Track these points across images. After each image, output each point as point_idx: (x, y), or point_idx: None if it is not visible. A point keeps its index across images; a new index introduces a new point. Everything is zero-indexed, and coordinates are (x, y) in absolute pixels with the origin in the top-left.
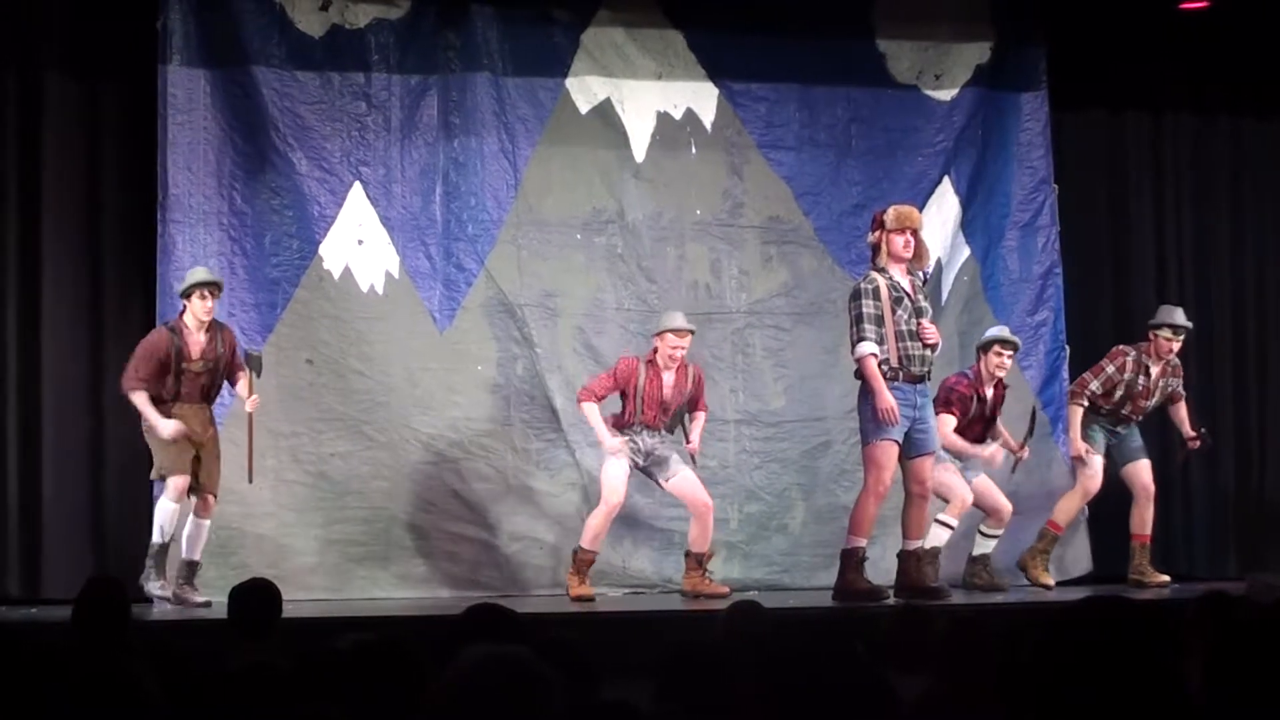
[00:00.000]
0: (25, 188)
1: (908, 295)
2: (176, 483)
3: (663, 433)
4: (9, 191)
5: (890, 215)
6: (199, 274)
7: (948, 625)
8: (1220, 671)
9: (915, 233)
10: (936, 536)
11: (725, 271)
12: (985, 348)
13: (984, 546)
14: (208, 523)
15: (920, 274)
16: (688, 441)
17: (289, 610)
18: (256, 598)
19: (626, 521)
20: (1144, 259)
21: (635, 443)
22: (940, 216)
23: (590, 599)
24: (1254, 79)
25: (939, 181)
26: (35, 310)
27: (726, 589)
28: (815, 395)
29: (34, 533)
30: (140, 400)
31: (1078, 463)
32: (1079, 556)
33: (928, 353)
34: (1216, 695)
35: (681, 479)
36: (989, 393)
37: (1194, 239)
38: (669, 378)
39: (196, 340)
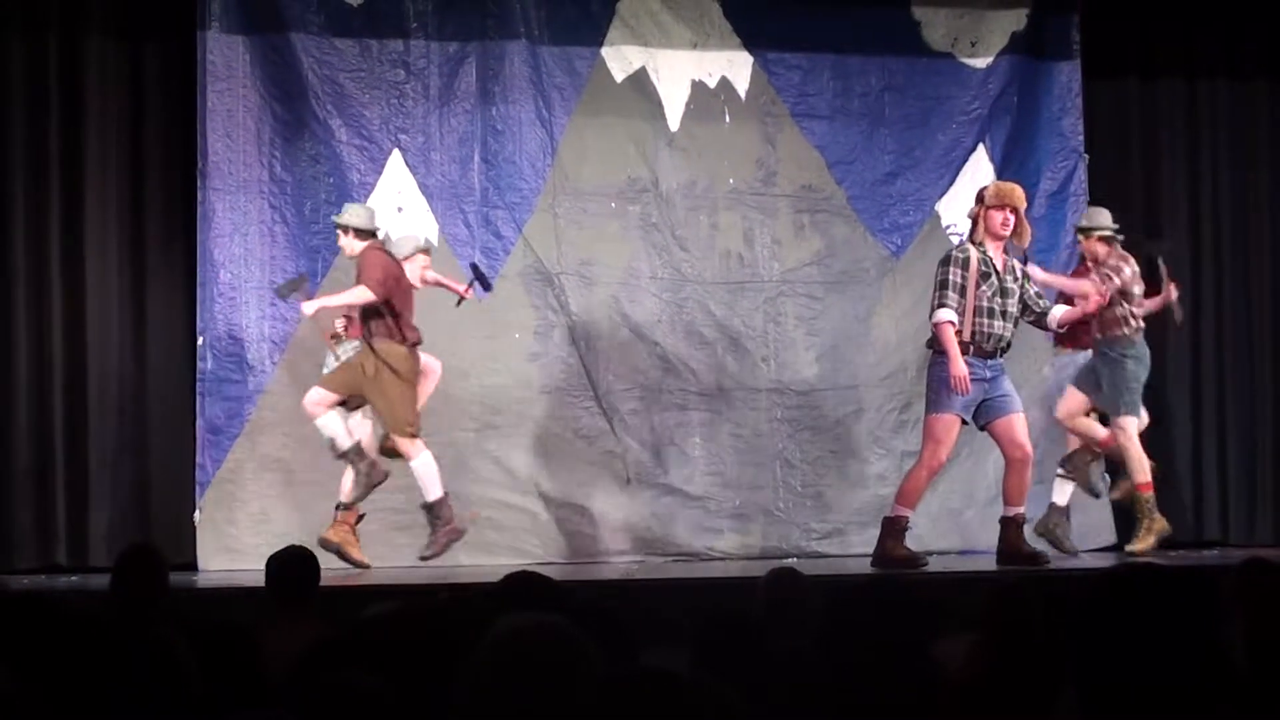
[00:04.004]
0: (67, 153)
1: (996, 272)
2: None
3: None
4: (51, 156)
5: (990, 190)
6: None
7: (988, 593)
8: (1263, 637)
9: (1015, 210)
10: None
11: (758, 240)
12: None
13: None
14: None
15: (1019, 254)
16: None
17: (329, 578)
18: (295, 566)
19: (664, 489)
20: (1177, 230)
21: None
22: (974, 184)
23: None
24: None
25: (973, 149)
26: (79, 278)
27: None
28: (847, 364)
29: (81, 501)
30: None
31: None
32: (1100, 527)
33: (1005, 331)
34: (1260, 661)
35: None
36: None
37: (1230, 208)
38: None
39: None
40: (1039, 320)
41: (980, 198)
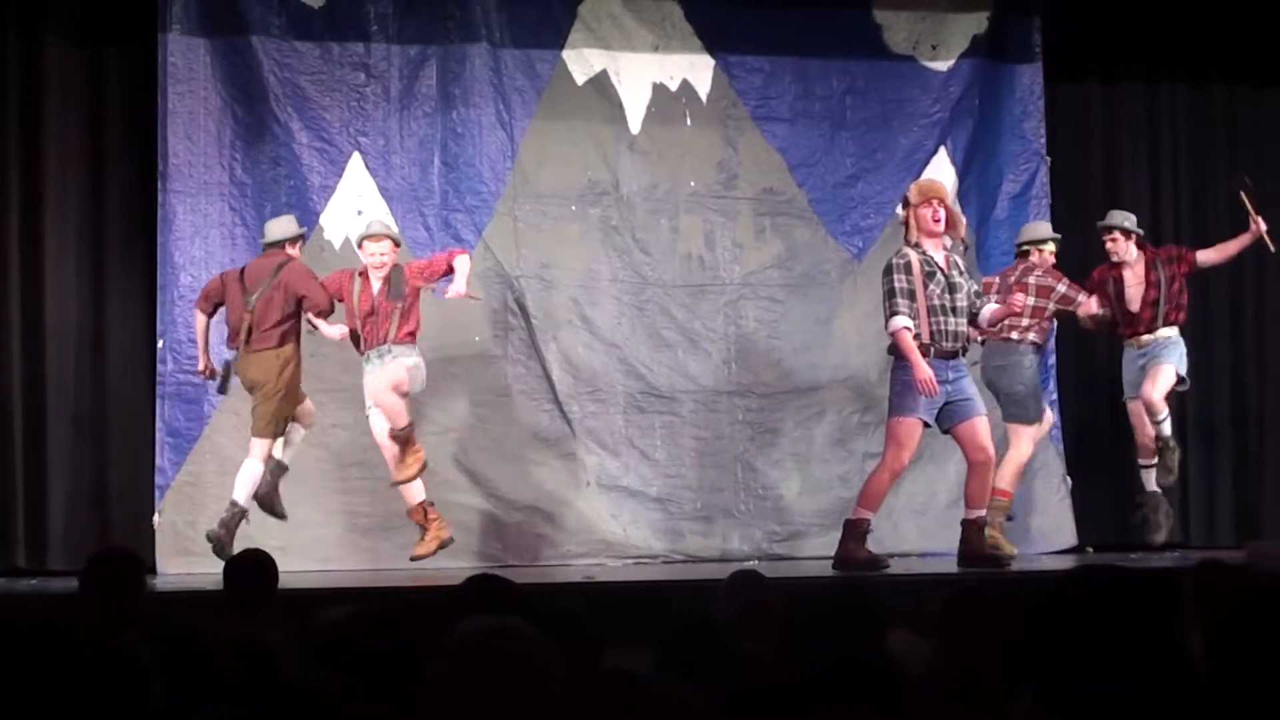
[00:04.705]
0: (27, 156)
1: (940, 269)
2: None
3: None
4: (11, 159)
5: (913, 190)
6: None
7: (948, 595)
8: (1221, 641)
9: (943, 202)
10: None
11: (719, 243)
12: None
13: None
14: None
15: (959, 245)
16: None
17: (289, 581)
18: (252, 570)
19: (625, 491)
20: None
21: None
22: None
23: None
24: (1251, 46)
25: (934, 152)
26: (38, 280)
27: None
28: (809, 366)
29: (40, 503)
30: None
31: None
32: (1061, 526)
33: (961, 328)
34: (1218, 664)
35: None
36: (1127, 274)
37: (1190, 210)
38: (378, 287)
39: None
40: (972, 320)
41: (905, 202)
